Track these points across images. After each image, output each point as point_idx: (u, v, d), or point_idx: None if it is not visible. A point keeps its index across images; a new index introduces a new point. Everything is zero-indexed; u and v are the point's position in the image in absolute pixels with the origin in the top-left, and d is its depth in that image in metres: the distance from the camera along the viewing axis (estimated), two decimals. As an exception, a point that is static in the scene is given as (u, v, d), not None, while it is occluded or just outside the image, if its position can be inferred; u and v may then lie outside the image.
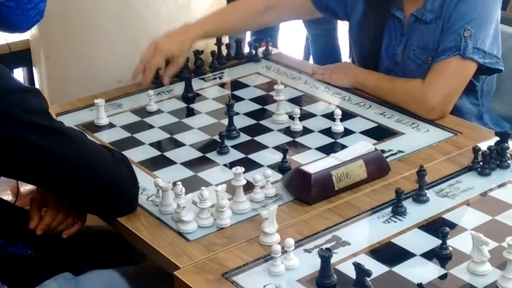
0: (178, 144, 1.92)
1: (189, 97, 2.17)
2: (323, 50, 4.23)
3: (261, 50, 2.46)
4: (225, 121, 1.95)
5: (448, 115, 2.00)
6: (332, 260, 1.37)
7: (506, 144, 1.73)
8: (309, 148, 1.87)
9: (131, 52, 2.30)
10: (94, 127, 2.02)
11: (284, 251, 1.42)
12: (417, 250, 1.46)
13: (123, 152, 1.71)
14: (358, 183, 1.68)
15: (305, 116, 2.03)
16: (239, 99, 2.15)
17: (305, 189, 1.63)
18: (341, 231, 1.54)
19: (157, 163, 1.83)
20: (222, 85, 2.28)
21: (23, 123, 1.45)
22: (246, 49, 2.50)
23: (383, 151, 1.79)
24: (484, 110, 2.17)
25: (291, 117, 1.98)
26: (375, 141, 1.88)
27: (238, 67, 2.39)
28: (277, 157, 1.81)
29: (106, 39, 2.30)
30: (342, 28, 4.04)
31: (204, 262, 1.46)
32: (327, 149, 1.85)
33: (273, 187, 1.67)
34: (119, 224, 1.61)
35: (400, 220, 1.56)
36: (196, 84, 2.24)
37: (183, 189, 1.58)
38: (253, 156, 1.84)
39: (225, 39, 2.48)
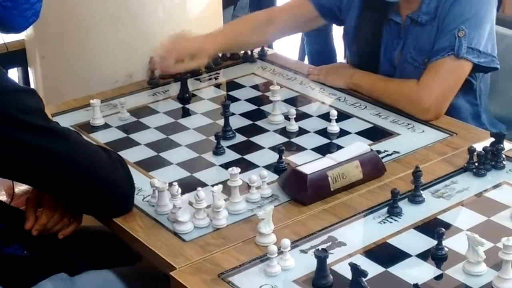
0: (174, 145, 1.92)
1: (185, 97, 2.17)
2: (319, 51, 4.23)
3: (256, 50, 2.46)
4: (221, 122, 1.95)
5: (443, 115, 2.01)
6: (328, 261, 1.37)
7: (501, 145, 1.74)
8: (305, 149, 1.87)
9: (127, 52, 2.30)
10: (89, 127, 2.01)
11: (280, 252, 1.42)
12: (413, 251, 1.46)
13: (119, 153, 1.71)
14: (353, 184, 1.68)
15: (300, 116, 2.03)
16: (234, 99, 2.15)
17: (301, 190, 1.63)
18: (337, 231, 1.54)
19: (153, 163, 1.83)
20: (218, 86, 2.28)
21: (19, 123, 1.45)
22: (242, 50, 2.50)
23: (378, 152, 1.79)
24: (482, 110, 2.18)
25: (287, 118, 1.98)
26: (370, 142, 1.88)
27: (234, 67, 2.40)
28: (273, 157, 1.81)
29: (102, 39, 2.29)
30: (337, 29, 4.04)
31: (200, 263, 1.46)
32: (323, 150, 1.86)
33: (269, 188, 1.67)
34: (115, 224, 1.61)
35: (395, 220, 1.56)
36: (192, 84, 2.24)
37: (179, 190, 1.58)
38: (249, 157, 1.84)
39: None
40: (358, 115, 2.04)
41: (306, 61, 4.31)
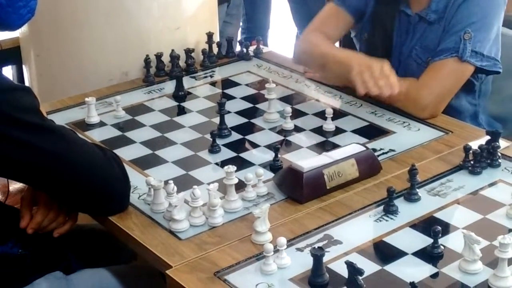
0: (170, 143, 1.91)
1: (180, 95, 2.17)
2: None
3: (252, 48, 2.46)
4: (217, 120, 1.95)
5: (440, 114, 2.00)
6: (324, 259, 1.37)
7: (497, 143, 1.74)
8: (301, 147, 1.87)
9: (122, 50, 2.30)
10: (85, 125, 2.01)
11: (276, 250, 1.42)
12: (409, 249, 1.46)
13: (114, 151, 1.70)
14: (349, 182, 1.68)
15: (296, 114, 2.02)
16: (230, 97, 2.15)
17: (297, 188, 1.63)
18: (333, 230, 1.54)
19: (149, 161, 1.83)
20: (213, 84, 2.27)
21: (14, 121, 1.44)
22: (237, 48, 2.49)
23: (374, 150, 1.79)
24: (480, 110, 2.18)
25: (283, 116, 1.98)
26: (366, 140, 1.88)
27: (229, 65, 2.39)
28: (269, 155, 1.80)
29: (97, 37, 2.29)
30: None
31: (196, 261, 1.46)
32: (319, 148, 1.86)
33: (265, 186, 1.66)
34: (111, 223, 1.61)
35: (391, 219, 1.56)
36: (187, 82, 2.24)
37: (175, 188, 1.58)
38: (245, 155, 1.84)
39: (216, 37, 2.47)
40: (354, 113, 2.03)
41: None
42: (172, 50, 2.28)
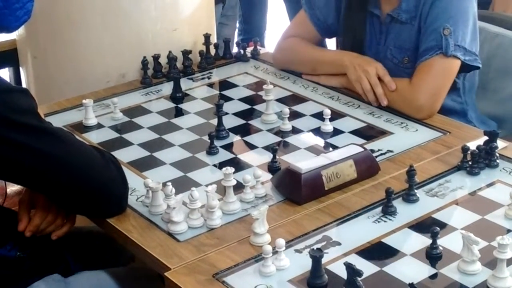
0: (167, 145, 1.91)
1: (178, 97, 2.17)
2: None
3: (249, 49, 2.46)
4: (214, 121, 1.95)
5: (437, 114, 2.01)
6: (323, 260, 1.37)
7: (495, 144, 1.74)
8: (299, 148, 1.87)
9: (119, 52, 2.30)
10: (82, 127, 2.01)
11: (275, 252, 1.42)
12: (408, 250, 1.46)
13: (112, 153, 1.70)
14: (348, 183, 1.68)
15: (294, 116, 2.02)
16: (228, 99, 2.14)
17: (295, 189, 1.63)
18: (332, 231, 1.54)
19: (147, 163, 1.82)
20: (211, 85, 2.27)
21: (12, 123, 1.44)
22: (235, 49, 2.49)
23: (372, 151, 1.79)
24: (468, 108, 2.18)
25: (280, 117, 1.98)
26: (364, 141, 1.88)
27: (227, 67, 2.39)
28: (267, 157, 1.80)
29: (94, 39, 2.28)
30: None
31: (195, 263, 1.45)
32: (317, 149, 1.86)
33: (263, 187, 1.66)
34: (109, 225, 1.60)
35: (390, 220, 1.56)
36: (185, 84, 2.23)
37: (173, 190, 1.57)
38: (243, 156, 1.84)
39: (213, 39, 2.47)
40: (352, 114, 2.03)
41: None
42: (170, 52, 2.28)
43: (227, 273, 1.42)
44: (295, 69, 2.28)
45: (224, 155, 1.84)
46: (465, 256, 1.38)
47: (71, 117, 2.06)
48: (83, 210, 1.63)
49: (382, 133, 1.94)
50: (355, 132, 1.94)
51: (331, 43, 2.91)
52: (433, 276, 1.40)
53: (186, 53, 2.32)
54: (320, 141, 1.91)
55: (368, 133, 1.94)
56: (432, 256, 1.43)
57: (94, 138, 1.95)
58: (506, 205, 1.56)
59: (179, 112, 2.11)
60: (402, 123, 1.98)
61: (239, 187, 1.64)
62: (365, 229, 1.54)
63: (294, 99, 2.15)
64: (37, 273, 1.67)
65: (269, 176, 1.72)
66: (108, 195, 1.58)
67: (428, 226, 1.49)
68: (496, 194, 1.64)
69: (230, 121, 1.99)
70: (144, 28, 2.30)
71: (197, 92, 2.22)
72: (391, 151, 1.83)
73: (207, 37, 2.37)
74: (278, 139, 1.92)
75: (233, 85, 2.26)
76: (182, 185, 1.69)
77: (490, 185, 1.68)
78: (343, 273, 1.33)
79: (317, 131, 1.95)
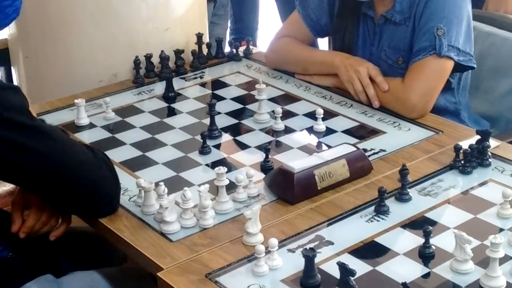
0: (160, 144, 1.91)
1: (170, 96, 2.16)
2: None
3: (241, 49, 2.45)
4: (207, 121, 1.95)
5: (429, 113, 2.01)
6: (316, 260, 1.37)
7: (487, 143, 1.74)
8: (291, 148, 1.87)
9: (111, 51, 2.29)
10: (74, 127, 2.00)
11: (267, 251, 1.42)
12: (400, 249, 1.46)
13: (105, 153, 1.69)
14: (340, 182, 1.68)
15: (286, 115, 2.02)
16: (220, 98, 2.14)
17: (288, 189, 1.63)
18: (325, 230, 1.54)
19: (139, 163, 1.82)
20: (203, 85, 2.27)
21: (3, 120, 1.43)
22: (227, 49, 2.49)
23: (365, 150, 1.79)
24: (461, 108, 2.19)
25: (273, 117, 1.98)
26: (357, 140, 1.88)
27: (219, 66, 2.39)
28: (260, 156, 1.80)
29: (86, 38, 2.28)
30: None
31: (187, 263, 1.45)
32: (309, 148, 1.86)
33: (255, 187, 1.66)
34: (101, 225, 1.60)
35: (383, 219, 1.56)
36: (177, 83, 2.23)
37: (166, 190, 1.57)
38: (235, 156, 1.84)
39: (206, 38, 2.47)
40: (344, 114, 2.03)
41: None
42: (162, 51, 2.27)
43: (220, 273, 1.42)
44: (287, 69, 2.28)
45: (216, 155, 1.84)
46: (458, 255, 1.38)
47: (63, 117, 2.05)
48: (75, 209, 1.63)
49: (375, 132, 1.94)
50: (347, 132, 1.94)
51: (323, 43, 2.92)
52: (426, 275, 1.40)
53: (178, 52, 2.31)
54: (312, 141, 1.91)
55: (361, 132, 1.94)
56: (425, 255, 1.43)
57: (86, 137, 1.94)
58: (499, 204, 1.57)
59: (171, 112, 2.10)
60: (394, 122, 1.98)
61: (231, 187, 1.64)
62: (358, 229, 1.54)
63: (286, 98, 2.15)
64: (30, 274, 1.66)
65: (261, 175, 1.72)
66: (100, 194, 1.57)
67: (420, 225, 1.49)
68: (489, 193, 1.64)
69: (222, 121, 1.99)
70: (136, 27, 2.30)
71: (189, 91, 2.21)
72: (384, 151, 1.84)
73: (199, 36, 2.36)
74: (270, 138, 1.92)
75: (226, 85, 2.25)
76: (175, 185, 1.69)
77: (482, 184, 1.68)
78: (336, 273, 1.33)
79: (309, 131, 1.95)
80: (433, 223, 1.54)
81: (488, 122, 2.24)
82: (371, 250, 1.47)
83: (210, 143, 1.87)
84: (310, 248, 1.39)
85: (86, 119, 2.02)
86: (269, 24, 4.57)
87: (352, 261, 1.42)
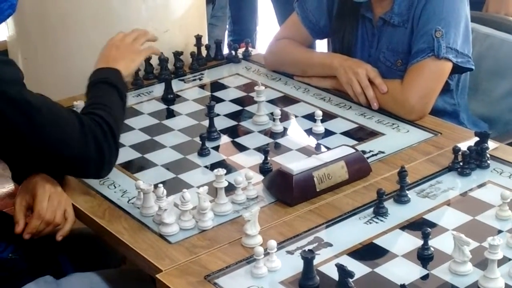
0: (159, 146, 1.91)
1: (169, 98, 2.16)
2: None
3: (240, 51, 2.46)
4: (206, 123, 1.95)
5: (428, 115, 2.01)
6: (315, 262, 1.37)
7: (486, 144, 1.74)
8: (290, 149, 1.87)
9: (110, 53, 2.28)
10: (73, 129, 2.00)
11: (266, 253, 1.42)
12: (399, 251, 1.46)
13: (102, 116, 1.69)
14: (339, 184, 1.68)
15: (285, 117, 2.03)
16: (219, 100, 2.14)
17: (287, 191, 1.63)
18: (323, 232, 1.54)
19: (138, 165, 1.82)
20: (202, 86, 2.27)
21: None
22: (226, 50, 2.49)
23: (364, 152, 1.79)
24: (460, 109, 2.19)
25: (272, 118, 1.98)
26: (356, 142, 1.88)
27: (218, 68, 2.39)
28: (258, 158, 1.80)
29: (85, 40, 2.28)
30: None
31: (186, 265, 1.45)
32: (308, 150, 1.86)
33: (254, 189, 1.66)
34: (100, 227, 1.60)
35: (381, 220, 1.57)
36: (176, 85, 2.23)
37: (165, 191, 1.57)
38: (234, 158, 1.84)
39: (205, 40, 2.47)
40: (343, 115, 2.04)
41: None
42: (161, 53, 2.27)
43: (218, 275, 1.42)
44: (286, 70, 2.28)
45: (215, 157, 1.84)
46: (456, 257, 1.38)
47: (62, 119, 2.05)
48: (64, 174, 1.71)
49: (374, 134, 1.94)
50: (346, 133, 1.95)
51: (322, 45, 2.92)
52: (425, 277, 1.40)
53: (177, 54, 2.32)
54: (311, 142, 1.92)
55: (360, 134, 1.94)
56: (424, 257, 1.44)
57: (85, 139, 1.94)
58: (497, 205, 1.57)
59: (170, 114, 2.10)
60: (393, 124, 1.98)
61: (230, 189, 1.64)
62: (356, 230, 1.54)
63: (285, 100, 2.15)
64: (29, 275, 1.66)
65: (260, 177, 1.72)
66: (83, 168, 1.64)
67: (419, 227, 1.49)
68: (487, 194, 1.64)
69: (221, 123, 1.99)
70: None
71: (188, 93, 2.21)
72: (383, 152, 1.84)
73: (198, 38, 2.37)
74: (269, 140, 1.92)
75: (225, 87, 2.26)
76: (174, 186, 1.69)
77: (481, 185, 1.69)
78: (334, 274, 1.34)
79: (308, 132, 1.95)
80: (431, 225, 1.54)
81: (487, 124, 2.24)
82: (369, 252, 1.47)
83: (209, 145, 1.87)
84: (308, 250, 1.39)
85: (85, 121, 2.02)
86: (267, 26, 4.57)
87: (351, 262, 1.43)
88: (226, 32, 3.94)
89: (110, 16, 2.28)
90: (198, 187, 1.61)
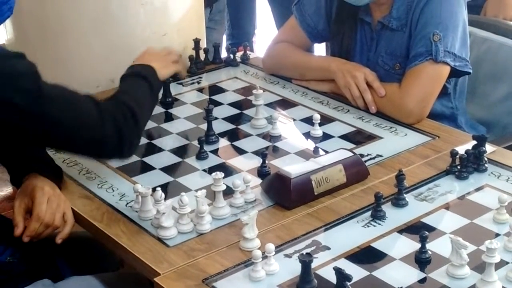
0: (157, 149, 1.91)
1: (167, 102, 2.16)
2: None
3: (239, 54, 2.46)
4: (204, 126, 1.95)
5: (426, 119, 2.02)
6: (313, 265, 1.37)
7: (483, 148, 1.75)
8: (288, 153, 1.87)
9: (109, 57, 2.29)
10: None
11: (264, 257, 1.42)
12: (397, 254, 1.47)
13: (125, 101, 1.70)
14: (337, 188, 1.68)
15: (283, 120, 2.03)
16: (217, 103, 2.15)
17: (285, 194, 1.63)
18: (321, 235, 1.54)
19: (136, 168, 1.82)
20: (201, 90, 2.27)
21: (15, 90, 1.47)
22: (224, 54, 2.49)
23: (362, 155, 1.80)
24: (458, 113, 2.20)
25: (270, 122, 1.98)
26: (353, 145, 1.88)
27: (216, 71, 2.39)
28: (256, 162, 1.81)
29: (84, 44, 2.28)
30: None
31: (184, 268, 1.45)
32: (306, 154, 1.86)
33: (252, 192, 1.67)
34: (98, 230, 1.60)
35: (379, 224, 1.57)
36: (174, 89, 2.23)
37: (163, 195, 1.57)
38: (232, 161, 1.84)
39: (203, 44, 2.47)
40: (341, 119, 2.04)
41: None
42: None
43: (216, 278, 1.42)
44: (284, 74, 2.29)
45: (213, 160, 1.84)
46: (454, 260, 1.39)
47: (60, 122, 2.05)
48: (90, 157, 1.76)
49: (372, 137, 1.94)
50: (344, 137, 1.95)
51: (321, 49, 2.92)
52: (422, 281, 1.40)
53: (175, 58, 2.32)
54: (309, 146, 1.92)
55: (358, 137, 1.95)
56: (421, 260, 1.44)
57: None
58: (495, 209, 1.57)
59: (168, 117, 2.11)
60: (391, 127, 1.98)
61: (228, 192, 1.64)
62: (354, 234, 1.54)
63: (283, 103, 2.15)
64: (27, 278, 1.66)
65: (258, 181, 1.73)
66: (100, 152, 1.66)
67: (417, 230, 1.49)
68: (485, 198, 1.65)
69: (219, 126, 2.00)
70: (134, 33, 2.30)
71: (186, 97, 2.22)
72: (381, 156, 1.84)
73: (196, 42, 2.37)
74: (267, 143, 1.93)
75: (223, 90, 2.26)
76: (172, 190, 1.69)
77: (478, 189, 1.69)
78: (332, 278, 1.33)
79: (306, 136, 1.96)
80: (429, 228, 1.54)
81: (485, 127, 2.24)
82: (367, 255, 1.47)
83: (207, 148, 1.87)
84: (306, 253, 1.39)
85: (83, 124, 2.02)
86: (266, 29, 4.57)
87: (349, 266, 1.43)
88: (224, 36, 3.95)
89: (109, 19, 2.28)
90: (196, 190, 1.61)
